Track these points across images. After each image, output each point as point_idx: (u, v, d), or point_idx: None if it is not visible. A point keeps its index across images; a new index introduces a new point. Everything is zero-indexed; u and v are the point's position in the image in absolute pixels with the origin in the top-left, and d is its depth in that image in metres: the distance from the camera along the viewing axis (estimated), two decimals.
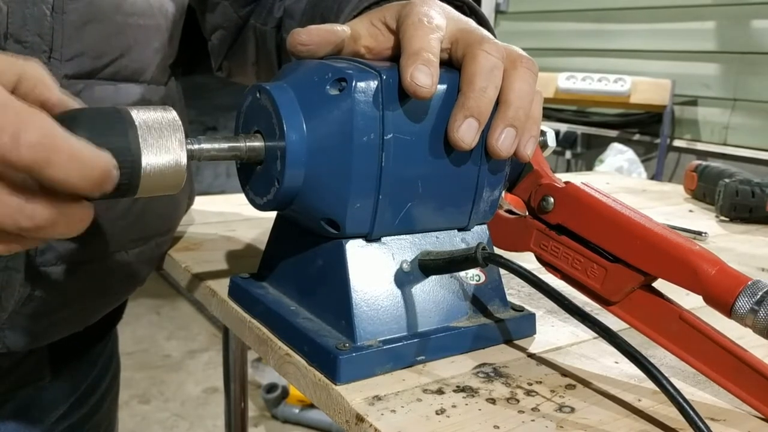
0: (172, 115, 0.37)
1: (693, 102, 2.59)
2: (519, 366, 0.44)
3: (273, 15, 0.62)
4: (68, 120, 0.34)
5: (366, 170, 0.40)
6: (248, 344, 0.50)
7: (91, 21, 0.47)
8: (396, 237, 0.44)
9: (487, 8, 3.23)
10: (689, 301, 0.42)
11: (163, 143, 0.36)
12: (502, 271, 0.48)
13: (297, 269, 0.47)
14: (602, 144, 2.74)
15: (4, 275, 0.48)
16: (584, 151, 2.98)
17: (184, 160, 0.36)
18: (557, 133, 2.77)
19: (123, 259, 0.56)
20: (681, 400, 0.35)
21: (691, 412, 0.34)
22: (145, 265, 0.61)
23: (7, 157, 0.28)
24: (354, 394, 0.39)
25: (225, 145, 0.41)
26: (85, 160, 0.30)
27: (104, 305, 0.60)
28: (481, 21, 0.50)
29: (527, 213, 0.50)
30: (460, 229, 0.47)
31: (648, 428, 0.38)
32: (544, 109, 0.48)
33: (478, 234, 0.48)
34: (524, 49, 0.44)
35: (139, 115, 0.35)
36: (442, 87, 0.42)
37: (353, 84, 0.39)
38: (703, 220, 0.93)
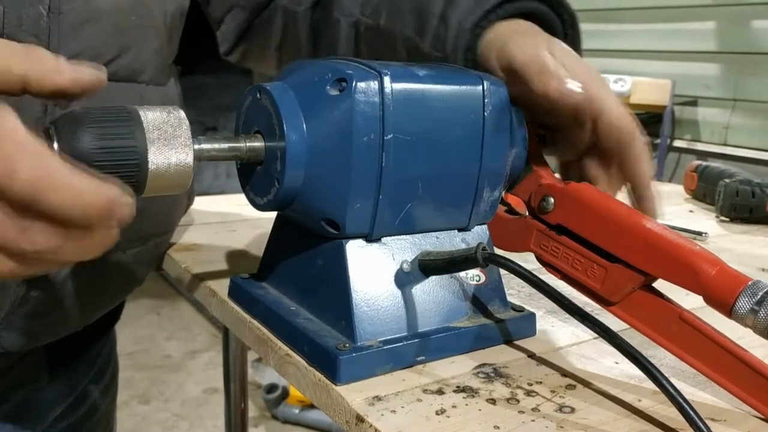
0: (180, 115, 0.37)
1: (693, 102, 2.59)
2: (519, 366, 0.44)
3: None
4: (76, 119, 0.34)
5: (366, 170, 0.40)
6: (248, 344, 0.50)
7: (88, 21, 0.47)
8: (396, 237, 0.44)
9: None
10: (689, 301, 0.42)
11: (170, 143, 0.36)
12: (503, 272, 0.48)
13: (297, 269, 0.47)
14: None
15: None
16: None
17: (191, 160, 0.37)
18: None
19: (121, 259, 0.56)
20: (681, 401, 0.35)
21: (691, 413, 0.34)
22: (144, 265, 0.61)
23: (3, 191, 0.28)
24: (354, 394, 0.39)
25: (225, 146, 0.41)
26: (84, 195, 0.29)
27: (102, 305, 0.60)
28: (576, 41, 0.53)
29: (527, 213, 0.49)
30: (460, 230, 0.47)
31: (648, 428, 0.38)
32: None
33: (478, 234, 0.48)
34: None
35: (147, 115, 0.36)
36: (444, 87, 0.42)
37: (353, 84, 0.39)
38: (703, 220, 0.93)
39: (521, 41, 0.47)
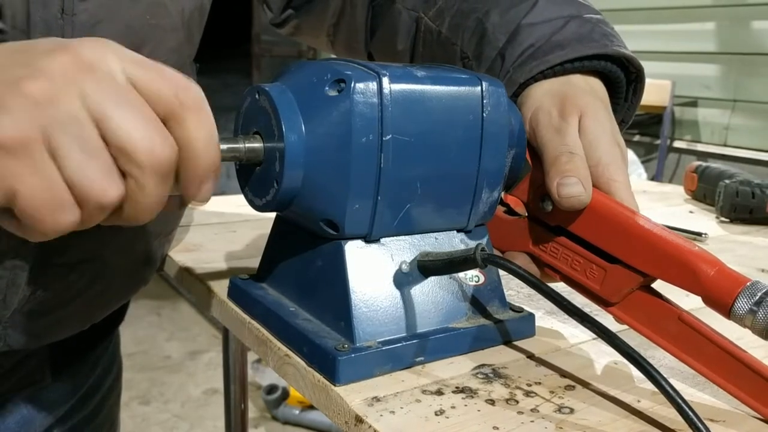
0: None
1: (693, 103, 2.59)
2: (518, 367, 0.44)
3: None
4: None
5: (365, 171, 0.40)
6: (248, 345, 0.50)
7: (101, 21, 0.46)
8: (395, 238, 0.44)
9: None
10: (688, 302, 0.42)
11: None
12: (502, 272, 0.48)
13: (296, 270, 0.47)
14: None
15: (11, 273, 0.48)
16: None
17: None
18: None
19: (126, 258, 0.56)
20: (680, 401, 0.35)
21: (690, 413, 0.34)
22: (149, 264, 0.61)
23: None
24: (353, 395, 0.39)
25: (224, 146, 0.41)
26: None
27: (108, 304, 0.60)
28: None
29: (526, 214, 0.50)
30: (459, 230, 0.47)
31: (647, 429, 0.38)
32: None
33: (478, 235, 0.48)
34: None
35: None
36: (443, 88, 0.42)
37: (352, 85, 0.39)
38: (703, 221, 0.93)
39: (555, 113, 0.48)
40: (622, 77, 0.53)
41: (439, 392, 0.40)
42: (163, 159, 0.33)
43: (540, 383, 0.42)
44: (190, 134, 0.35)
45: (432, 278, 0.45)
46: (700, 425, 0.34)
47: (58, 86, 0.32)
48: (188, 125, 0.35)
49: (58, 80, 0.32)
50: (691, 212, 0.98)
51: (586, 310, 0.41)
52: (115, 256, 0.55)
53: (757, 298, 0.38)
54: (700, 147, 2.57)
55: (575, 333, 0.50)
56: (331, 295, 0.43)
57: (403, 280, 0.44)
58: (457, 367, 0.43)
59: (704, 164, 1.06)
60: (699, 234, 0.81)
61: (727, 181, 0.92)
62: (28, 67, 0.32)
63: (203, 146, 0.35)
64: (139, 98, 0.33)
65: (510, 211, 0.51)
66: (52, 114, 0.31)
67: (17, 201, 0.31)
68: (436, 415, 0.37)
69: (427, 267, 0.44)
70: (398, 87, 0.41)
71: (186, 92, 0.35)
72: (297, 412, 2.17)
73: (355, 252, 0.43)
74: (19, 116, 0.31)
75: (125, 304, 0.67)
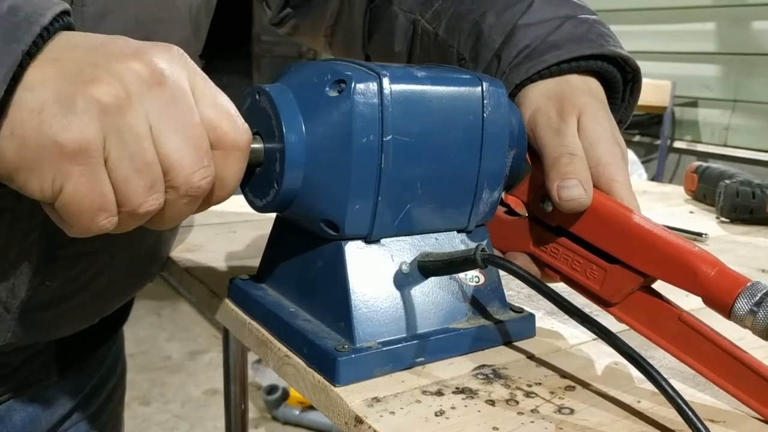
0: None
1: (693, 103, 2.59)
2: (518, 367, 0.44)
3: None
4: None
5: (365, 172, 0.40)
6: (248, 346, 0.50)
7: (110, 13, 0.46)
8: (395, 238, 0.44)
9: None
10: (689, 302, 0.42)
11: None
12: (502, 273, 0.48)
13: (296, 271, 0.47)
14: None
15: (19, 263, 0.48)
16: None
17: None
18: None
19: (132, 253, 0.57)
20: (680, 402, 0.35)
21: (690, 414, 0.34)
22: (154, 260, 0.61)
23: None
24: (353, 395, 0.39)
25: None
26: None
27: (113, 298, 0.60)
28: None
29: (527, 214, 0.50)
30: (459, 231, 0.47)
31: (647, 430, 0.38)
32: None
33: (478, 235, 0.48)
34: None
35: None
36: (443, 88, 0.42)
37: (352, 85, 0.39)
38: (703, 221, 0.93)
39: (553, 113, 0.48)
40: (618, 77, 0.53)
41: (439, 393, 0.40)
42: (201, 188, 0.35)
43: (540, 384, 0.42)
44: (226, 171, 0.36)
45: (432, 279, 0.45)
46: (700, 426, 0.34)
47: (127, 96, 0.32)
48: (229, 162, 0.36)
49: (128, 89, 0.32)
50: (691, 212, 0.98)
51: (587, 310, 0.41)
52: (121, 251, 0.55)
53: (758, 298, 0.38)
54: (700, 147, 2.57)
55: (575, 333, 0.50)
56: (331, 295, 0.43)
57: (403, 281, 0.44)
58: (457, 368, 0.43)
59: (704, 164, 1.06)
60: (699, 234, 0.81)
61: (727, 182, 0.92)
62: (100, 68, 0.33)
63: (233, 184, 0.37)
64: (199, 124, 0.34)
65: (510, 212, 0.51)
66: (115, 125, 0.32)
67: (61, 197, 0.33)
68: (436, 415, 0.37)
69: (427, 267, 0.44)
70: (399, 87, 0.41)
71: (238, 131, 0.36)
72: (297, 412, 2.17)
73: (355, 252, 0.43)
74: (85, 121, 0.32)
75: (130, 302, 0.67)
